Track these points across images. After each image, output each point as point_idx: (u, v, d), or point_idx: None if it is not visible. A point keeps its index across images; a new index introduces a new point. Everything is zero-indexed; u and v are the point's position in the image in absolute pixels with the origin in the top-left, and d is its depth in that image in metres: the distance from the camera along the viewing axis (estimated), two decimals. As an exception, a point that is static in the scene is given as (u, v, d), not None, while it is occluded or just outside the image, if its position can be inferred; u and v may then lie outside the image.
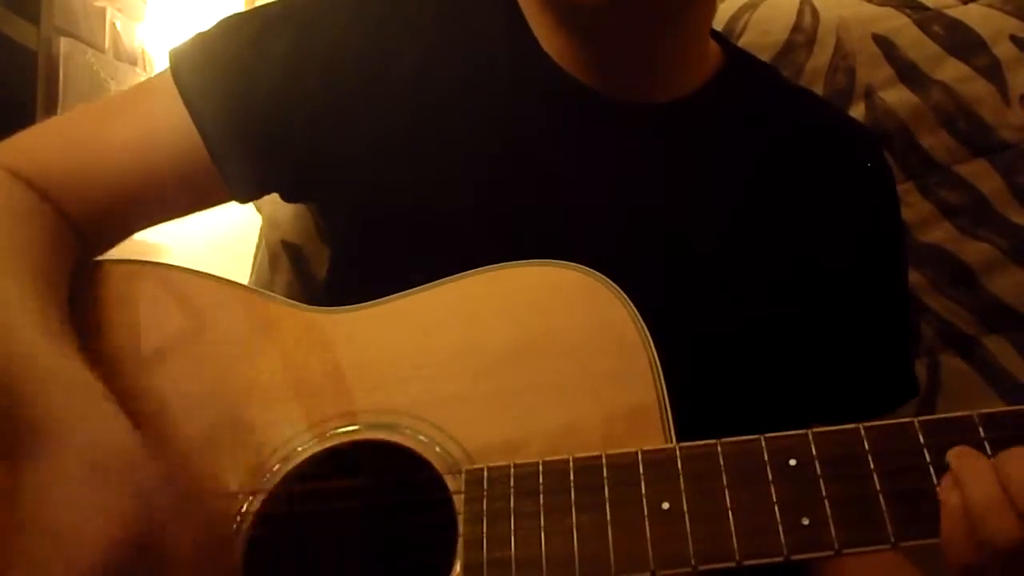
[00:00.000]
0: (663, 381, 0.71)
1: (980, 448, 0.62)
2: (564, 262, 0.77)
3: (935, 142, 1.29)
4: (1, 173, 0.88)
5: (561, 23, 0.88)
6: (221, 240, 1.80)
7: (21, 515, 0.65)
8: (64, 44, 1.88)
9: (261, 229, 1.37)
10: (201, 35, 0.94)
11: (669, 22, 0.87)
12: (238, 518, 0.75)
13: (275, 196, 0.99)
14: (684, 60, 0.92)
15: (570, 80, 0.89)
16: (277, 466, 0.77)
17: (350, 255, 0.96)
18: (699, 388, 0.76)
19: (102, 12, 2.04)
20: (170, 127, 0.90)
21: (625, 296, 0.75)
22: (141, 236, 0.98)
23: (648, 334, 0.73)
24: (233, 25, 0.94)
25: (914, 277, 1.26)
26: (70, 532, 0.63)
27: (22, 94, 1.79)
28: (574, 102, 0.89)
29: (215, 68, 0.91)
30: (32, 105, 1.81)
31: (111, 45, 2.06)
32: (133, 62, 2.14)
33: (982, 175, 1.28)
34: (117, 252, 0.96)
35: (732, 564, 0.62)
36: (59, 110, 1.84)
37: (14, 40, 1.76)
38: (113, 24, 2.07)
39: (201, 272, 0.88)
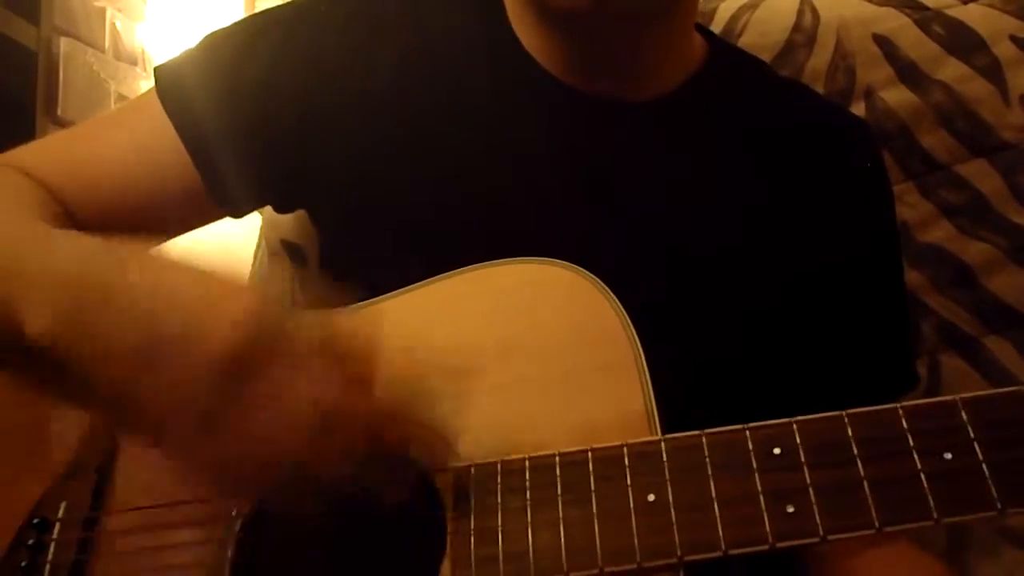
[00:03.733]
0: (648, 374, 0.71)
1: (963, 432, 0.62)
2: (548, 259, 0.77)
3: (935, 142, 1.29)
4: (9, 170, 0.88)
5: (544, 24, 0.88)
6: (221, 240, 1.80)
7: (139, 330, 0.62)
8: (64, 44, 1.89)
9: (261, 229, 1.37)
10: (185, 53, 0.95)
11: (653, 23, 0.87)
12: (227, 520, 0.75)
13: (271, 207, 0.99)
14: (667, 58, 0.92)
15: (552, 79, 0.89)
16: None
17: (340, 259, 0.96)
18: (689, 382, 0.76)
19: (102, 12, 2.04)
20: (160, 146, 0.90)
21: (609, 291, 0.75)
22: (142, 236, 0.98)
23: (633, 328, 0.73)
24: (217, 41, 0.94)
25: (914, 277, 1.26)
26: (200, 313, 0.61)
27: (22, 94, 1.80)
28: (556, 101, 0.89)
29: (199, 85, 0.91)
30: (32, 105, 1.81)
31: (111, 45, 2.07)
32: (133, 62, 2.14)
33: (982, 175, 1.27)
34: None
35: (718, 554, 0.62)
36: (59, 110, 1.84)
37: (14, 40, 1.77)
38: (113, 24, 2.08)
39: None
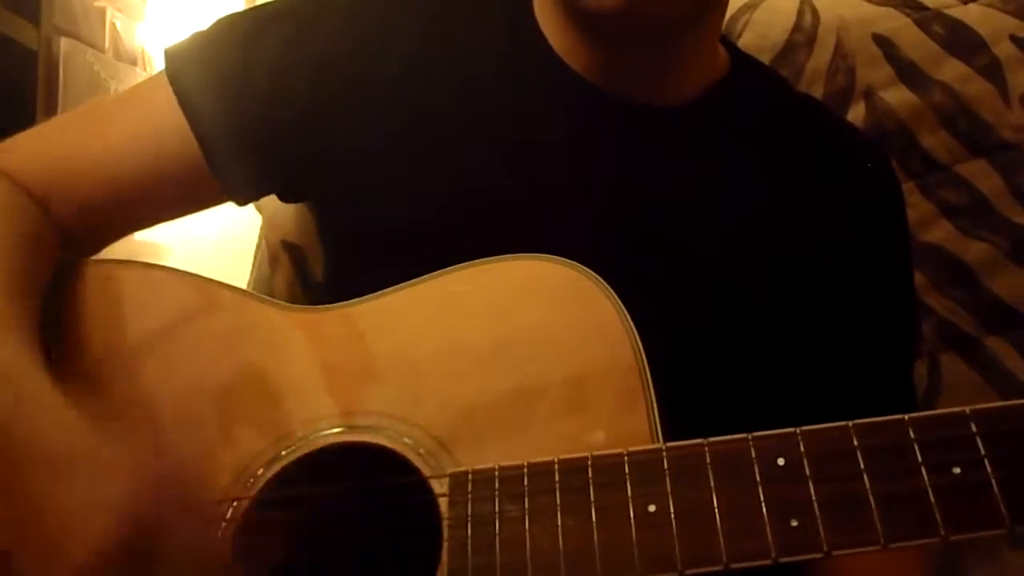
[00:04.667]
0: (649, 376, 0.70)
1: (972, 446, 0.61)
2: (547, 255, 0.76)
3: (935, 142, 1.29)
4: None
5: (573, 25, 0.87)
6: (221, 240, 1.80)
7: None
8: (64, 44, 1.89)
9: (261, 229, 1.37)
10: (197, 35, 0.94)
11: (682, 29, 0.87)
12: (222, 524, 0.74)
13: (275, 195, 0.99)
14: (693, 65, 0.92)
15: (575, 77, 0.89)
16: (261, 471, 0.76)
17: (346, 254, 0.96)
18: (692, 387, 0.75)
19: (102, 12, 2.04)
20: (165, 128, 0.90)
21: (610, 289, 0.73)
22: (142, 236, 0.98)
23: (633, 328, 0.72)
24: (228, 25, 0.94)
25: (914, 277, 1.25)
26: (59, 530, 0.63)
27: (22, 94, 1.80)
28: (577, 99, 0.89)
29: (210, 68, 0.90)
30: (32, 105, 1.81)
31: (111, 45, 2.07)
32: (133, 62, 2.14)
33: (982, 175, 1.27)
34: (117, 253, 0.96)
35: (719, 567, 0.61)
36: (59, 110, 1.84)
37: (14, 40, 1.77)
38: (113, 24, 2.08)
39: (184, 272, 0.88)
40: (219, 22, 0.94)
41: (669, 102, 0.91)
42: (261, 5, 0.97)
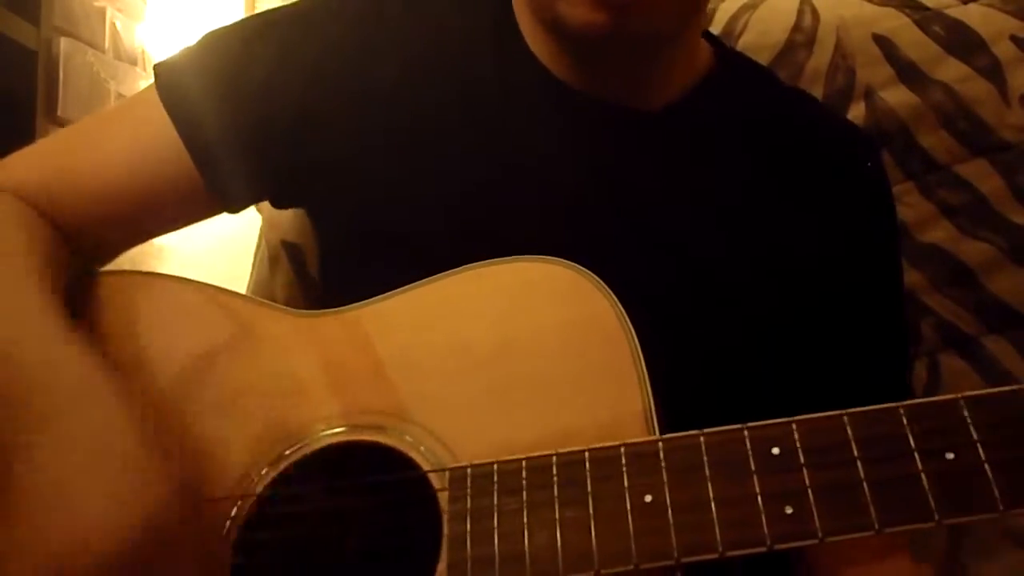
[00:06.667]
0: (647, 374, 0.71)
1: (965, 432, 0.61)
2: (547, 257, 0.77)
3: (935, 142, 1.28)
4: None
5: (555, 39, 0.88)
6: (221, 240, 1.80)
7: (15, 503, 0.65)
8: (64, 44, 1.90)
9: (261, 229, 1.37)
10: (187, 49, 0.94)
11: (665, 43, 0.87)
12: (227, 523, 0.75)
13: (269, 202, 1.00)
14: (676, 69, 0.92)
15: (560, 84, 0.89)
16: (265, 470, 0.77)
17: (342, 257, 0.96)
18: (689, 384, 0.76)
19: (102, 12, 2.05)
20: (158, 141, 0.90)
21: (608, 290, 0.74)
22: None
23: (631, 327, 0.72)
24: (218, 38, 0.94)
25: (914, 277, 1.26)
26: (83, 520, 0.64)
27: (22, 94, 1.80)
28: (564, 106, 0.89)
29: (202, 80, 0.91)
30: (32, 105, 1.82)
31: (111, 45, 2.07)
32: (133, 62, 2.15)
33: (982, 175, 1.27)
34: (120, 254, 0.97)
35: (715, 556, 0.62)
36: (59, 110, 1.85)
37: (14, 40, 1.77)
38: (113, 24, 2.08)
39: (182, 278, 0.88)
40: (209, 35, 0.95)
41: (654, 102, 0.91)
42: (251, 18, 0.97)
